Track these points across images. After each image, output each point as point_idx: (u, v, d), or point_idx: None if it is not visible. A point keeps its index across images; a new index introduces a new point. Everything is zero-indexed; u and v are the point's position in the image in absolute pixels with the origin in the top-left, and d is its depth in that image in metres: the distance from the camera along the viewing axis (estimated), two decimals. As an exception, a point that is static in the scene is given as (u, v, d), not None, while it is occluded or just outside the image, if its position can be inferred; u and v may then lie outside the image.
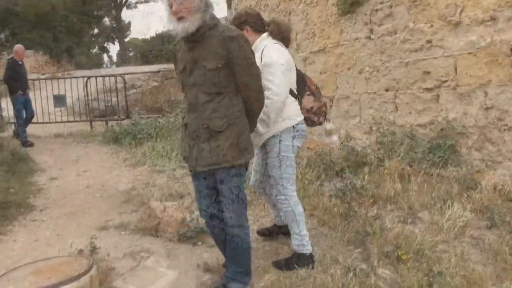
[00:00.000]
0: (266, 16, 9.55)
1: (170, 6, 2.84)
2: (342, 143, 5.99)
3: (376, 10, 6.29)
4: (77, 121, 11.67)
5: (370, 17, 6.43)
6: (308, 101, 3.54)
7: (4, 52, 24.56)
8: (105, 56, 52.77)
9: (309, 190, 4.91)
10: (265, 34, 3.47)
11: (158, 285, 3.40)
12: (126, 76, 15.90)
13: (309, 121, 3.54)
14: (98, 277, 3.20)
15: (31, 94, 10.61)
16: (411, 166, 4.97)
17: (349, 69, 6.95)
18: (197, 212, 3.91)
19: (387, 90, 6.22)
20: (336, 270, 3.31)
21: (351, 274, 3.22)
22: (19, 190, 6.43)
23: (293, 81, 3.47)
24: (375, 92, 6.42)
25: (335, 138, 4.27)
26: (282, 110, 3.26)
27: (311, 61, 7.99)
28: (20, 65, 9.79)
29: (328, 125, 4.12)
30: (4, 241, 4.71)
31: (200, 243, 4.12)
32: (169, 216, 4.32)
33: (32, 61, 23.55)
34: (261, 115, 3.12)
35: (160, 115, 10.50)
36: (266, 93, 3.11)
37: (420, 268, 3.29)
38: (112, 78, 11.57)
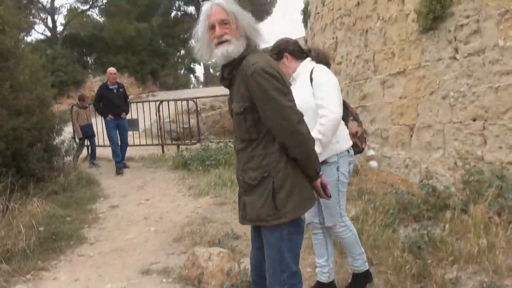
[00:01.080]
0: (342, 35, 8.98)
1: (212, 27, 2.37)
2: (422, 181, 5.23)
3: (461, 26, 5.47)
4: (149, 145, 11.55)
5: (454, 34, 5.61)
6: (353, 126, 3.44)
7: (90, 75, 25.69)
8: (192, 76, 54.26)
9: (379, 239, 4.20)
10: (307, 59, 3.37)
11: None
12: (202, 99, 15.95)
13: (354, 147, 3.40)
14: None
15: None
16: (499, 216, 4.13)
17: (431, 94, 6.15)
18: (247, 260, 3.38)
19: (474, 120, 5.36)
20: None
21: None
22: (75, 219, 6.24)
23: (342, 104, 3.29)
24: (461, 122, 5.57)
25: (374, 164, 3.87)
26: (338, 130, 3.15)
27: (390, 84, 7.25)
28: (109, 89, 9.51)
29: (369, 152, 3.70)
30: (44, 278, 4.46)
31: (246, 299, 3.56)
32: (215, 266, 3.81)
33: (118, 83, 24.28)
34: (317, 134, 2.96)
35: (231, 140, 10.10)
36: (321, 111, 3.06)
37: None
38: (186, 102, 11.35)
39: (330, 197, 2.62)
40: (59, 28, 29.17)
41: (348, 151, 3.28)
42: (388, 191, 5.91)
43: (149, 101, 12.48)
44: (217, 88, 21.27)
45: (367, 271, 3.56)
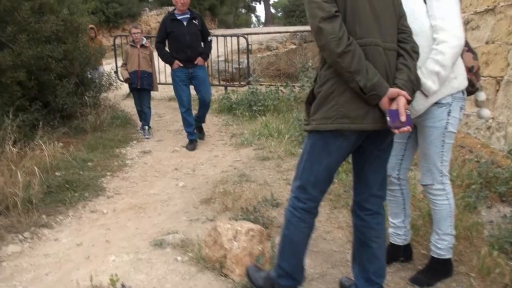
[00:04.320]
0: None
1: None
2: (511, 150, 4.11)
3: None
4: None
5: None
6: (468, 58, 2.71)
7: (146, 8, 24.75)
8: (252, 16, 52.61)
9: (458, 225, 3.15)
10: None
11: None
12: (258, 38, 14.77)
13: (468, 86, 2.68)
14: None
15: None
16: None
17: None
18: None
19: None
20: None
21: None
22: (98, 165, 5.49)
23: None
24: None
25: (486, 113, 2.89)
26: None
27: (475, 25, 5.93)
28: (176, 21, 6.13)
29: (480, 95, 2.74)
30: (43, 239, 3.72)
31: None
32: (241, 248, 2.90)
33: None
34: (433, 65, 2.40)
35: (284, 83, 9.03)
36: (440, 35, 2.41)
37: None
38: (237, 39, 10.22)
39: (399, 128, 2.06)
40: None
41: (463, 91, 2.63)
42: (467, 158, 4.80)
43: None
44: (278, 27, 20.00)
45: (449, 261, 2.82)
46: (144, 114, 7.30)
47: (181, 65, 6.14)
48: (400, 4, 2.31)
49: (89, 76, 7.95)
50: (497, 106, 5.41)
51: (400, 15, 2.25)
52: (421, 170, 2.75)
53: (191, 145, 6.38)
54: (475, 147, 5.48)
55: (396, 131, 2.08)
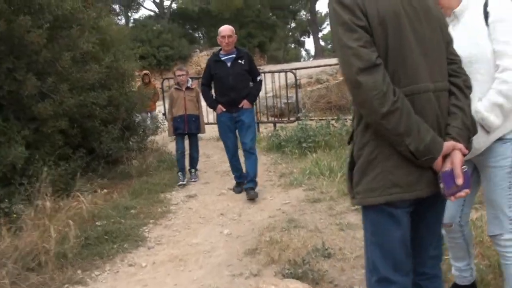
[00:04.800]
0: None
1: None
2: None
3: None
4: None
5: None
6: None
7: (197, 50, 25.16)
8: (302, 50, 52.84)
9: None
10: None
11: None
12: (308, 72, 14.49)
13: None
14: None
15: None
16: None
17: None
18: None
19: None
20: None
21: None
22: (141, 212, 5.26)
23: None
24: None
25: None
26: None
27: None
28: (220, 63, 5.65)
29: None
30: (75, 298, 3.44)
31: None
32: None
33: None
34: (496, 97, 2.10)
35: (336, 117, 8.64)
36: (504, 61, 2.08)
37: None
38: (284, 74, 9.98)
39: (455, 193, 1.66)
40: (166, 3, 29.09)
41: None
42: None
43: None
44: (328, 59, 19.66)
45: None
46: (192, 159, 6.89)
47: (224, 109, 5.66)
48: (447, 27, 1.90)
49: (137, 120, 7.87)
50: None
51: (447, 41, 1.85)
52: (488, 217, 2.36)
53: (238, 188, 5.94)
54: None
55: (452, 198, 1.68)
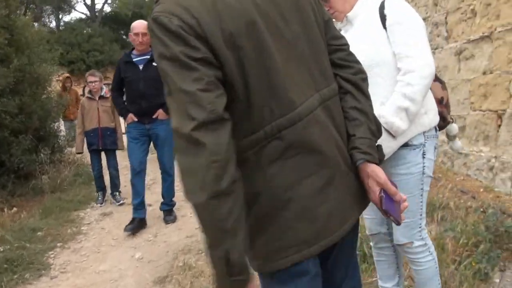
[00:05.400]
0: None
1: None
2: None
3: None
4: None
5: None
6: (437, 89, 2.31)
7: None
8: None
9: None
10: None
11: None
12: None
13: (440, 120, 2.25)
14: None
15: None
16: None
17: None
18: None
19: None
20: None
21: None
22: (48, 234, 4.84)
23: None
24: None
25: (459, 144, 2.39)
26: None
27: (468, 54, 5.39)
28: (131, 64, 4.83)
29: (453, 129, 2.28)
30: None
31: None
32: None
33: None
34: (400, 100, 1.96)
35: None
36: (407, 64, 1.97)
37: None
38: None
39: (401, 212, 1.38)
40: (98, 6, 28.23)
41: (435, 128, 2.21)
42: (469, 206, 4.18)
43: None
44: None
45: None
46: (112, 180, 6.10)
47: (136, 119, 4.80)
48: (321, 7, 1.42)
49: (52, 130, 7.36)
50: (500, 143, 4.81)
51: (326, 20, 1.41)
52: (395, 227, 2.21)
53: (131, 225, 4.82)
54: (477, 192, 4.85)
55: (402, 218, 1.38)
